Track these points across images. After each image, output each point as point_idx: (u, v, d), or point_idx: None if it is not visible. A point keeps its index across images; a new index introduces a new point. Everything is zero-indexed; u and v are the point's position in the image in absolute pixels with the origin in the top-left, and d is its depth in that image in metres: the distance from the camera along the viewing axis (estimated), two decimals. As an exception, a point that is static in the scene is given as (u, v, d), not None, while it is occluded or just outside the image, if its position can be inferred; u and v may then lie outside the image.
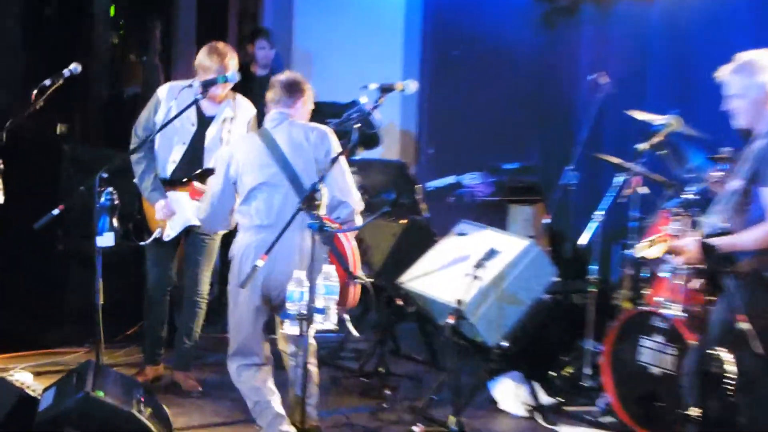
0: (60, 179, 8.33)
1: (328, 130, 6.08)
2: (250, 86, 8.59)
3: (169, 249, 7.21)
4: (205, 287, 7.25)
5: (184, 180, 6.89)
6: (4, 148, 6.09)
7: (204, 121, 6.94)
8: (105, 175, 6.23)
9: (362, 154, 8.78)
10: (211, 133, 6.93)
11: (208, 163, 6.82)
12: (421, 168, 10.76)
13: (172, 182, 6.94)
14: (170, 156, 6.94)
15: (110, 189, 6.10)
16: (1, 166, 6.08)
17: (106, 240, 5.94)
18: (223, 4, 10.20)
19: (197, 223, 6.78)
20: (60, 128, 9.50)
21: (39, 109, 6.37)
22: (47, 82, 6.33)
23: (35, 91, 6.31)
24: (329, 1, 10.38)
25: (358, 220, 6.00)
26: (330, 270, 5.60)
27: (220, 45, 7.02)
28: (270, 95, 6.09)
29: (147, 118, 7.00)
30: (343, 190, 6.01)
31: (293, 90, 6.10)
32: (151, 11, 10.25)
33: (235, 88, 7.12)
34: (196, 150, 6.93)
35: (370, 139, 8.81)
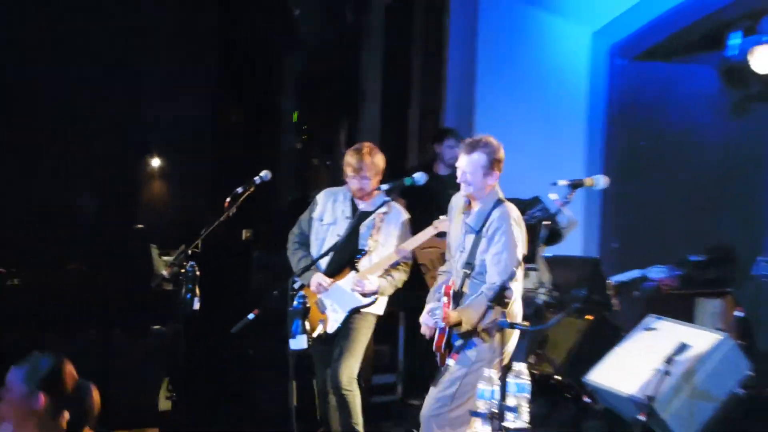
0: (250, 284, 8.51)
1: None
2: (432, 184, 8.53)
3: (328, 347, 7.03)
4: (344, 378, 6.90)
5: (341, 268, 6.93)
6: (199, 255, 6.26)
7: (358, 215, 6.96)
8: (297, 279, 6.43)
9: (544, 250, 8.79)
10: (364, 225, 7.00)
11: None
12: (606, 262, 10.70)
13: (330, 274, 6.94)
14: (325, 249, 6.97)
15: (302, 293, 6.27)
16: (198, 272, 6.21)
17: (299, 343, 6.02)
18: (405, 103, 10.33)
19: (361, 303, 6.84)
20: (245, 234, 9.76)
21: (229, 218, 6.49)
22: (239, 189, 6.48)
23: (228, 199, 6.46)
24: (510, 96, 10.44)
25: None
26: (521, 368, 5.57)
27: (365, 145, 7.12)
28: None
29: (305, 218, 7.20)
30: None
31: None
32: (335, 114, 10.44)
33: (418, 188, 6.97)
34: (349, 241, 6.94)
35: (556, 236, 8.85)
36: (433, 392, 5.96)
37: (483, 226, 5.90)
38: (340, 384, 6.86)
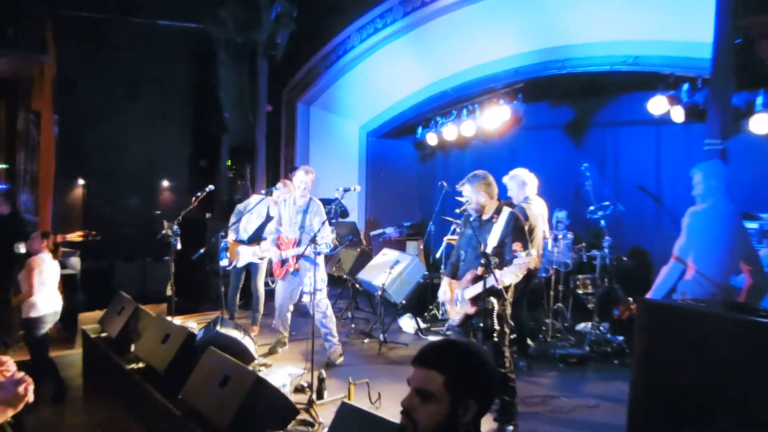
0: (205, 236, 8.15)
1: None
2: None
3: (240, 271, 6.53)
4: (259, 291, 6.56)
5: (254, 240, 6.48)
6: (181, 224, 6.01)
7: (269, 215, 6.50)
8: (223, 234, 6.14)
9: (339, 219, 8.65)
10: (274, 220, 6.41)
11: (265, 232, 6.40)
12: (368, 226, 10.65)
13: (248, 242, 6.48)
14: (248, 228, 6.50)
15: (226, 240, 6.01)
16: (179, 232, 5.94)
17: (223, 263, 5.93)
18: (277, 156, 10.05)
19: (255, 261, 6.42)
20: (207, 215, 9.35)
21: (196, 206, 6.24)
22: (198, 193, 6.20)
23: (193, 198, 6.23)
24: (325, 154, 10.23)
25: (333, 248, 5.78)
26: (322, 273, 5.51)
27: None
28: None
29: (238, 209, 6.63)
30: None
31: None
32: (246, 161, 10.11)
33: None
34: (262, 227, 6.47)
35: (345, 213, 8.72)
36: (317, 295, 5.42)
37: (308, 208, 5.59)
38: (257, 293, 6.52)
